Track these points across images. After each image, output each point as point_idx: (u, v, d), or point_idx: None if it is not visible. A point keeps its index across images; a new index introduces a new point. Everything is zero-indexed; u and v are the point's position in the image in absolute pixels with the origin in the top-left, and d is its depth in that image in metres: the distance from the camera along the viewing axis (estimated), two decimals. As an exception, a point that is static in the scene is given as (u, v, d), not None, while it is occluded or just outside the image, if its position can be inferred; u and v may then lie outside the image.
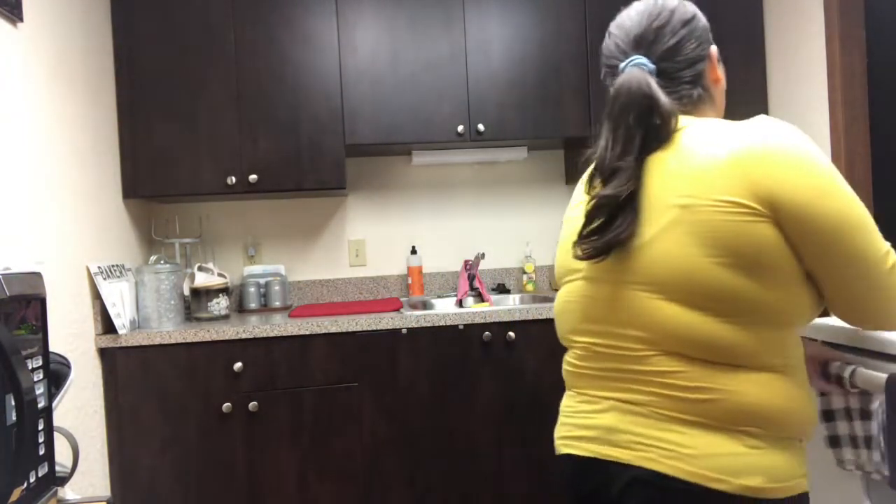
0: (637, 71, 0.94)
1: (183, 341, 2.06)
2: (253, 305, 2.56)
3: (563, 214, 1.04)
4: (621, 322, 0.91)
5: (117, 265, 2.18)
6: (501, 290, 2.78)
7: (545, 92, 2.49)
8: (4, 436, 0.83)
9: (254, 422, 2.10)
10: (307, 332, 2.10)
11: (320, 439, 2.12)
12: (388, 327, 2.13)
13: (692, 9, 1.00)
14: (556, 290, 1.17)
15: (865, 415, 1.48)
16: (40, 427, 0.91)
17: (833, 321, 1.79)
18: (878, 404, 1.46)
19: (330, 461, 2.12)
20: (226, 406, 2.07)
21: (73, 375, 1.12)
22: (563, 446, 1.02)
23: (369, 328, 2.12)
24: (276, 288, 2.56)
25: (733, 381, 0.85)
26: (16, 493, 0.83)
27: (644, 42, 0.98)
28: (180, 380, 2.07)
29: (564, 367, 1.06)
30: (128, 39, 2.29)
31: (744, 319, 0.85)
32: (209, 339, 2.06)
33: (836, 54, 2.31)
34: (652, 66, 0.96)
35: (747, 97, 2.64)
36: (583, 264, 0.97)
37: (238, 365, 2.07)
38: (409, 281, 2.71)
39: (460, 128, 2.43)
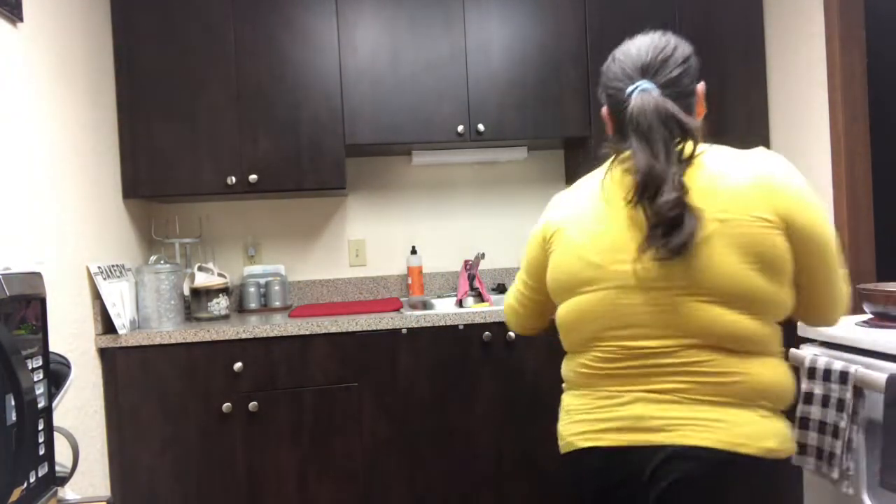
0: (651, 94, 1.05)
1: (183, 341, 2.06)
2: (253, 305, 2.56)
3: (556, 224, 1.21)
4: (657, 324, 1.03)
5: (117, 265, 2.18)
6: (501, 290, 2.78)
7: (545, 92, 2.49)
8: (4, 436, 0.83)
9: (254, 422, 2.10)
10: (307, 332, 2.10)
11: (320, 439, 2.12)
12: (388, 327, 2.13)
13: (690, 48, 1.13)
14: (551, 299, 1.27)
15: (841, 405, 1.48)
16: (40, 427, 0.91)
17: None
18: (861, 404, 1.46)
19: (330, 461, 2.12)
20: (226, 406, 2.07)
21: (73, 375, 1.12)
22: (582, 441, 1.11)
23: (369, 328, 2.12)
24: (276, 288, 2.56)
25: (751, 365, 1.02)
26: (16, 493, 0.83)
27: (650, 70, 1.09)
28: (180, 380, 2.07)
29: (577, 369, 1.14)
30: (128, 39, 2.29)
31: (763, 314, 1.02)
32: (209, 339, 2.06)
33: (836, 54, 2.31)
34: (657, 91, 1.06)
35: (747, 97, 2.64)
36: (607, 275, 1.06)
37: (238, 365, 2.07)
38: (409, 281, 2.71)
39: (460, 128, 2.43)
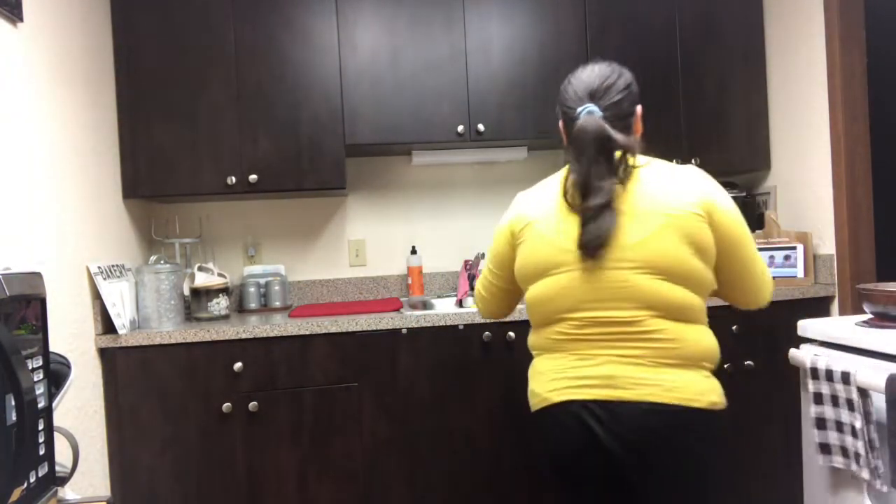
0: (593, 117, 1.27)
1: (183, 341, 2.06)
2: (253, 305, 2.56)
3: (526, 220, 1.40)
4: (623, 297, 1.25)
5: (117, 265, 2.18)
6: (501, 290, 2.78)
7: (545, 92, 2.49)
8: (4, 436, 0.83)
9: (254, 422, 2.10)
10: (307, 332, 2.10)
11: (320, 439, 2.12)
12: (388, 327, 2.13)
13: (631, 78, 1.38)
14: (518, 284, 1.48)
15: (851, 405, 1.48)
16: (40, 427, 0.91)
17: (834, 322, 1.79)
18: (869, 403, 1.46)
19: (330, 461, 2.12)
20: (226, 406, 2.07)
21: (73, 375, 1.12)
22: (558, 395, 1.31)
23: (369, 328, 2.12)
24: (276, 288, 2.56)
25: (693, 333, 1.27)
26: (16, 493, 0.83)
27: (596, 94, 1.32)
28: (180, 380, 2.07)
29: (551, 336, 1.35)
30: (128, 39, 2.29)
31: (699, 290, 1.27)
32: (209, 339, 2.06)
33: (836, 54, 2.31)
34: (601, 113, 1.30)
35: (748, 97, 2.64)
36: (573, 259, 1.28)
37: (238, 365, 2.07)
38: (409, 281, 2.71)
39: (460, 128, 2.43)
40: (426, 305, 2.55)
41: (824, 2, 2.35)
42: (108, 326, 2.09)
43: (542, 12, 2.49)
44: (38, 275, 0.96)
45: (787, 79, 2.57)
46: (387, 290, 2.79)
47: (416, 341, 2.16)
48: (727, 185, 2.68)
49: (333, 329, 2.11)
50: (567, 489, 1.38)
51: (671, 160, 2.58)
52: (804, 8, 2.46)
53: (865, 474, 1.46)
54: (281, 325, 2.09)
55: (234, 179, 2.33)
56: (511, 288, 1.51)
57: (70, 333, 1.89)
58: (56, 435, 1.02)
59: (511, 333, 2.18)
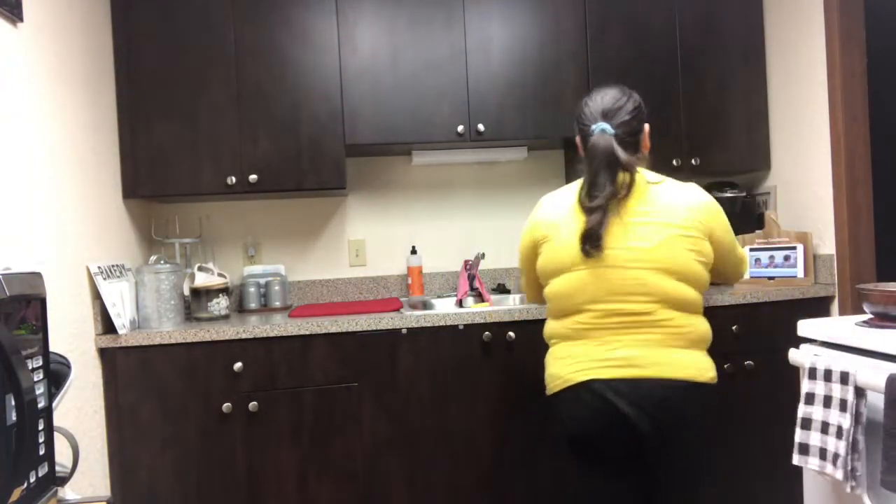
0: (605, 135, 1.52)
1: (183, 341, 2.06)
2: (253, 305, 2.56)
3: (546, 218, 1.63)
4: (638, 292, 1.48)
5: (117, 265, 2.18)
6: (501, 290, 2.78)
7: (545, 92, 2.49)
8: (4, 436, 0.83)
9: (254, 422, 2.10)
10: (307, 332, 2.10)
11: (320, 439, 2.12)
12: (388, 327, 2.13)
13: (639, 100, 1.59)
14: (539, 281, 1.71)
15: (843, 406, 1.48)
16: (40, 427, 0.91)
17: (834, 322, 1.79)
18: (863, 404, 1.46)
19: (330, 461, 2.12)
20: (226, 406, 2.07)
21: (73, 375, 1.12)
22: (581, 376, 1.51)
23: (369, 328, 2.12)
24: (276, 288, 2.56)
25: (694, 321, 1.53)
26: (16, 493, 0.83)
27: (608, 114, 1.55)
28: (180, 380, 2.07)
29: (572, 326, 1.55)
30: (128, 39, 2.29)
31: (699, 287, 1.53)
32: (209, 339, 2.06)
33: (836, 54, 2.31)
34: (612, 131, 1.52)
35: (748, 97, 2.64)
36: (590, 260, 1.50)
37: (238, 365, 2.07)
38: (409, 281, 2.71)
39: (460, 128, 2.43)
40: (426, 305, 2.55)
41: (824, 2, 2.35)
42: (108, 326, 2.09)
43: (542, 12, 2.49)
44: (38, 275, 0.96)
45: (787, 79, 2.57)
46: (387, 290, 2.79)
47: (416, 341, 2.16)
48: (727, 185, 2.68)
49: (333, 329, 2.11)
50: (585, 465, 1.57)
51: (671, 160, 2.58)
52: (804, 8, 2.46)
53: (840, 475, 1.46)
54: (281, 325, 2.09)
55: (234, 179, 2.33)
56: (538, 278, 1.73)
57: (70, 333, 1.89)
58: (56, 435, 1.02)
59: (511, 333, 2.18)
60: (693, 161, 2.59)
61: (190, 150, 2.32)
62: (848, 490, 1.46)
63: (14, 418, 0.85)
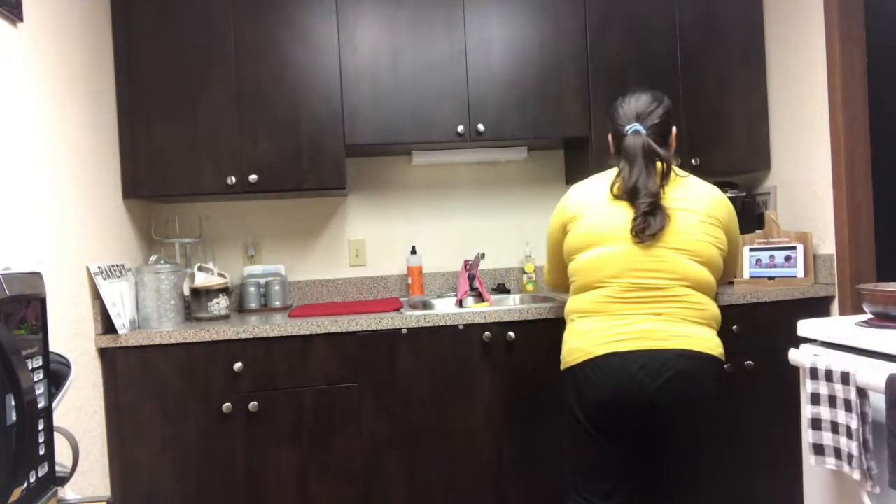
0: (640, 135, 1.66)
1: (183, 341, 2.06)
2: (253, 305, 2.56)
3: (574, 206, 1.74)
4: (660, 269, 1.60)
5: (117, 265, 2.18)
6: (501, 290, 2.78)
7: (545, 92, 2.49)
8: (4, 436, 0.83)
9: (254, 422, 2.10)
10: (307, 332, 2.10)
11: (320, 439, 2.12)
12: (388, 327, 2.13)
13: (669, 105, 1.74)
14: (565, 259, 1.82)
15: (848, 405, 1.48)
16: (40, 427, 0.91)
17: (834, 322, 1.79)
18: (867, 404, 1.46)
19: (330, 461, 2.12)
20: (226, 406, 2.07)
21: (73, 375, 1.12)
22: (602, 349, 1.60)
23: (369, 328, 2.12)
24: (276, 288, 2.56)
25: (708, 301, 1.64)
26: (16, 493, 0.83)
27: (641, 116, 1.70)
28: (180, 380, 2.07)
29: (596, 299, 1.65)
30: (128, 39, 2.29)
31: (715, 272, 1.66)
32: (209, 339, 2.06)
33: (836, 54, 2.31)
34: (644, 131, 1.67)
35: (747, 97, 2.64)
36: (621, 235, 1.62)
37: (238, 365, 2.07)
38: (409, 281, 2.71)
39: (460, 128, 2.43)
40: (426, 305, 2.55)
41: (824, 2, 2.35)
42: (108, 326, 2.09)
43: (542, 12, 2.49)
44: (38, 275, 0.96)
45: (788, 79, 2.57)
46: (387, 290, 2.79)
47: (416, 341, 2.16)
48: (727, 185, 2.68)
49: (333, 329, 2.11)
50: (595, 438, 1.65)
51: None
52: (804, 8, 2.46)
53: (857, 475, 1.46)
54: (281, 325, 2.09)
55: (234, 179, 2.33)
56: (564, 261, 1.85)
57: (70, 333, 1.89)
58: (56, 435, 1.02)
59: (511, 333, 2.18)
60: (693, 161, 2.59)
61: (190, 150, 2.32)
62: (868, 489, 1.46)
63: (14, 418, 0.85)
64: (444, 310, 2.22)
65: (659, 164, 1.64)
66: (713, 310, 1.65)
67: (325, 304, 2.60)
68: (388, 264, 2.82)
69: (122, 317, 2.08)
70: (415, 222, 2.83)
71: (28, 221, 1.67)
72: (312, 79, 2.37)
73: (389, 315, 2.16)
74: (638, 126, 1.67)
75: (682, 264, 1.59)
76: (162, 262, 2.23)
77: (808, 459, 1.58)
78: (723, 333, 2.28)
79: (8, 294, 0.87)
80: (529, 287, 2.76)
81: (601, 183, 1.72)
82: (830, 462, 1.54)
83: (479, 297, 2.51)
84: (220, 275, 2.37)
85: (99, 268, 2.04)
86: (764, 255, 2.51)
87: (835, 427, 1.52)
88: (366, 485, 2.14)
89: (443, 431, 2.17)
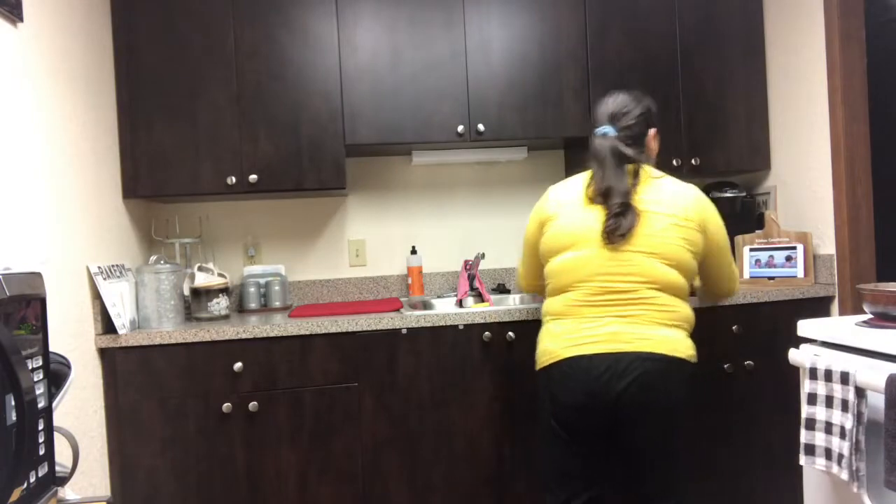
0: (607, 137, 1.68)
1: (183, 341, 2.06)
2: (253, 305, 2.56)
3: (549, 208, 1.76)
4: (630, 272, 1.60)
5: (117, 265, 2.18)
6: (501, 290, 2.78)
7: (545, 92, 2.49)
8: (4, 436, 0.83)
9: (254, 422, 2.10)
10: (307, 332, 2.10)
11: (320, 439, 2.12)
12: (388, 327, 2.13)
13: (647, 106, 1.73)
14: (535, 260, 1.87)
15: (845, 406, 1.48)
16: (40, 427, 0.91)
17: (834, 322, 1.79)
18: (864, 404, 1.46)
19: (330, 461, 2.12)
20: (226, 406, 2.07)
21: (73, 375, 1.12)
22: (570, 352, 1.62)
23: (369, 328, 2.12)
24: (276, 288, 2.56)
25: (678, 303, 1.64)
26: (16, 493, 0.83)
27: (615, 117, 1.71)
28: (180, 380, 2.07)
29: (566, 302, 1.66)
30: (128, 39, 2.29)
31: (686, 274, 1.64)
32: (209, 339, 2.06)
33: (836, 54, 2.31)
34: (615, 133, 1.69)
35: (747, 97, 2.64)
36: (592, 239, 1.63)
37: (238, 365, 2.07)
38: (409, 281, 2.71)
39: (460, 128, 2.44)
40: (426, 305, 2.55)
41: (824, 2, 2.35)
42: (108, 326, 2.09)
43: (542, 12, 2.49)
44: (38, 275, 0.96)
45: (787, 79, 2.57)
46: (387, 290, 2.79)
47: (416, 341, 2.16)
48: (727, 185, 2.68)
49: (333, 329, 2.11)
50: (565, 439, 1.66)
51: (671, 160, 2.58)
52: (804, 8, 2.46)
53: (845, 475, 1.46)
54: (281, 325, 2.09)
55: (234, 179, 2.33)
56: (540, 262, 1.85)
57: (70, 333, 1.89)
58: (56, 435, 1.02)
59: (511, 333, 2.18)
60: (693, 161, 2.59)
61: (190, 149, 2.32)
62: (854, 490, 1.46)
63: (14, 418, 0.85)
64: (444, 310, 2.22)
65: (630, 165, 1.65)
66: (683, 311, 1.64)
67: (325, 304, 2.60)
68: (388, 264, 2.82)
69: (122, 317, 2.08)
70: (415, 222, 2.83)
71: (28, 221, 1.67)
72: (312, 79, 2.37)
73: (389, 315, 2.16)
74: (607, 129, 1.68)
75: (649, 267, 1.59)
76: (162, 262, 2.23)
77: (800, 458, 1.59)
78: (723, 333, 2.28)
79: (8, 294, 0.87)
80: (529, 287, 2.76)
81: (578, 184, 1.73)
82: (820, 463, 1.54)
83: (479, 297, 2.51)
84: (220, 275, 2.37)
85: (99, 268, 2.04)
86: (764, 255, 2.51)
87: (828, 427, 1.52)
88: (366, 485, 2.14)
89: (443, 431, 2.17)
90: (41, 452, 0.91)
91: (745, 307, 2.29)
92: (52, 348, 1.74)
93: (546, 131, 2.50)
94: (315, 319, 2.12)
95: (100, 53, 2.19)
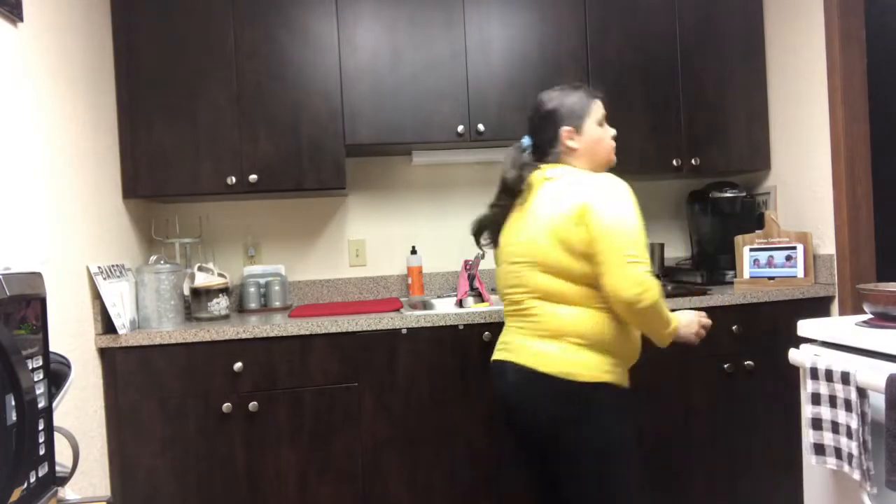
0: (512, 148, 1.67)
1: (183, 341, 2.06)
2: (253, 305, 2.56)
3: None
4: (517, 283, 1.59)
5: (117, 265, 2.18)
6: (501, 290, 2.78)
7: (545, 92, 2.49)
8: (4, 436, 0.83)
9: (254, 422, 2.10)
10: (307, 332, 2.10)
11: (320, 439, 2.12)
12: (388, 327, 2.13)
13: (559, 104, 1.62)
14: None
15: (848, 405, 1.48)
16: (40, 427, 0.91)
17: (834, 322, 1.79)
18: (866, 404, 1.46)
19: (330, 461, 2.12)
20: (226, 406, 2.07)
21: (73, 375, 1.12)
22: (494, 354, 1.68)
23: (369, 328, 2.12)
24: (276, 288, 2.56)
25: (565, 312, 1.51)
26: (16, 493, 0.83)
27: (530, 124, 1.69)
28: (180, 380, 2.07)
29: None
30: (128, 39, 2.29)
31: (571, 279, 1.50)
32: (209, 339, 2.06)
33: (836, 53, 2.31)
34: (528, 144, 1.67)
35: (747, 97, 2.64)
36: (504, 256, 1.65)
37: (238, 365, 2.07)
38: (409, 281, 2.71)
39: (460, 128, 2.43)
40: (426, 305, 2.55)
41: (824, 1, 2.35)
42: (108, 326, 2.09)
43: (542, 12, 2.49)
44: (38, 275, 0.96)
45: (787, 79, 2.57)
46: (387, 290, 2.79)
47: (416, 341, 2.16)
48: (727, 185, 2.68)
49: (333, 329, 2.11)
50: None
51: (671, 160, 2.58)
52: (804, 8, 2.46)
53: (857, 475, 1.46)
54: (281, 325, 2.09)
55: (234, 179, 2.33)
56: None
57: (70, 333, 1.89)
58: (56, 435, 1.02)
59: (511, 333, 2.18)
60: (693, 161, 2.59)
61: (190, 149, 2.32)
62: (868, 489, 1.46)
63: (14, 418, 0.85)
64: (444, 310, 2.22)
65: (511, 173, 1.63)
66: (573, 323, 1.49)
67: (325, 304, 2.60)
68: (388, 264, 2.82)
69: (122, 317, 2.08)
70: (415, 222, 2.83)
71: (28, 221, 1.67)
72: (312, 79, 2.37)
73: (389, 315, 2.16)
74: (525, 139, 1.69)
75: (530, 277, 1.55)
76: (162, 262, 2.23)
77: (809, 459, 1.58)
78: (723, 333, 2.27)
79: (8, 294, 0.87)
80: (529, 287, 2.76)
81: None
82: (831, 462, 1.54)
83: (480, 298, 2.51)
84: (220, 275, 2.37)
85: (99, 268, 2.04)
86: (764, 255, 2.51)
87: (835, 427, 1.52)
88: (366, 485, 2.14)
89: (443, 431, 2.17)
90: (41, 452, 0.91)
91: (745, 307, 2.29)
92: (52, 348, 1.74)
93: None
94: (315, 319, 2.12)
95: (100, 53, 2.19)
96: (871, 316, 1.68)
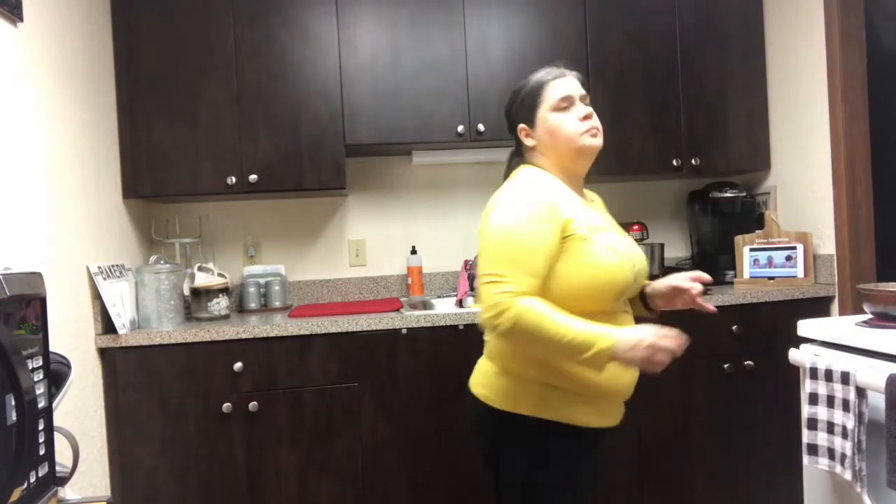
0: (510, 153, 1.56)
1: (183, 341, 2.06)
2: (253, 305, 2.56)
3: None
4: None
5: (117, 265, 2.18)
6: (501, 290, 2.77)
7: (545, 92, 2.49)
8: (4, 436, 0.83)
9: (254, 422, 2.10)
10: (307, 332, 2.10)
11: (320, 439, 2.12)
12: (388, 327, 2.13)
13: (508, 103, 1.48)
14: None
15: (846, 406, 1.48)
16: (40, 427, 0.91)
17: (834, 322, 1.79)
18: (864, 404, 1.46)
19: (330, 461, 2.12)
20: (226, 406, 2.07)
21: (73, 375, 1.12)
22: None
23: (369, 328, 2.12)
24: (276, 288, 2.56)
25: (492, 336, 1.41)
26: (16, 493, 0.83)
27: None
28: (180, 380, 2.07)
29: None
30: (128, 39, 2.29)
31: None
32: (209, 339, 2.06)
33: (836, 53, 2.31)
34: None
35: (747, 97, 2.64)
36: None
37: (238, 365, 2.07)
38: (409, 281, 2.71)
39: (460, 128, 2.43)
40: (426, 305, 2.55)
41: (824, 1, 2.35)
42: (108, 326, 2.09)
43: (542, 12, 2.49)
44: (38, 275, 0.96)
45: (787, 78, 2.57)
46: (387, 290, 2.79)
47: (416, 341, 2.16)
48: (727, 185, 2.67)
49: (333, 329, 2.11)
50: None
51: (671, 160, 2.58)
52: (804, 7, 2.46)
53: (848, 475, 1.46)
54: (281, 325, 2.09)
55: (234, 179, 2.33)
56: None
57: (70, 333, 1.89)
58: (56, 435, 1.02)
59: (511, 333, 2.17)
60: (693, 161, 2.59)
61: (190, 149, 2.32)
62: (858, 490, 1.46)
63: (14, 418, 0.85)
64: (444, 310, 2.22)
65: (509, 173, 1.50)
66: (491, 344, 1.43)
67: (325, 304, 2.60)
68: (388, 264, 2.82)
69: (122, 317, 2.08)
70: (415, 222, 2.83)
71: (28, 221, 1.67)
72: (312, 79, 2.37)
73: (389, 315, 2.16)
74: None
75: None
76: (162, 262, 2.23)
77: (804, 459, 1.58)
78: (723, 333, 2.27)
79: (8, 294, 0.87)
80: (529, 287, 2.76)
81: None
82: (823, 462, 1.54)
83: (479, 297, 2.51)
84: (220, 275, 2.37)
85: (99, 268, 2.04)
86: (764, 255, 2.51)
87: (830, 427, 1.52)
88: (366, 485, 2.14)
89: (443, 431, 2.17)
90: (41, 452, 0.91)
91: (745, 307, 2.29)
92: (52, 348, 1.74)
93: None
94: (315, 319, 2.12)
95: (100, 53, 2.19)
96: (871, 316, 1.68)
